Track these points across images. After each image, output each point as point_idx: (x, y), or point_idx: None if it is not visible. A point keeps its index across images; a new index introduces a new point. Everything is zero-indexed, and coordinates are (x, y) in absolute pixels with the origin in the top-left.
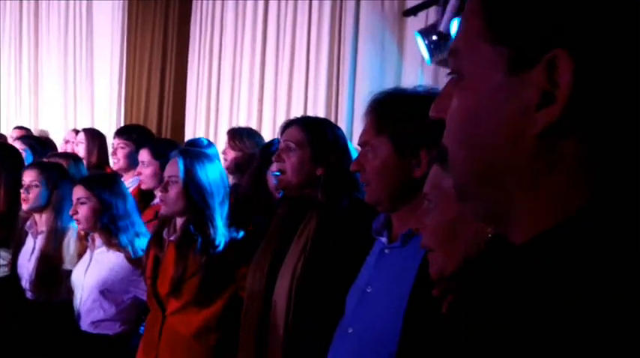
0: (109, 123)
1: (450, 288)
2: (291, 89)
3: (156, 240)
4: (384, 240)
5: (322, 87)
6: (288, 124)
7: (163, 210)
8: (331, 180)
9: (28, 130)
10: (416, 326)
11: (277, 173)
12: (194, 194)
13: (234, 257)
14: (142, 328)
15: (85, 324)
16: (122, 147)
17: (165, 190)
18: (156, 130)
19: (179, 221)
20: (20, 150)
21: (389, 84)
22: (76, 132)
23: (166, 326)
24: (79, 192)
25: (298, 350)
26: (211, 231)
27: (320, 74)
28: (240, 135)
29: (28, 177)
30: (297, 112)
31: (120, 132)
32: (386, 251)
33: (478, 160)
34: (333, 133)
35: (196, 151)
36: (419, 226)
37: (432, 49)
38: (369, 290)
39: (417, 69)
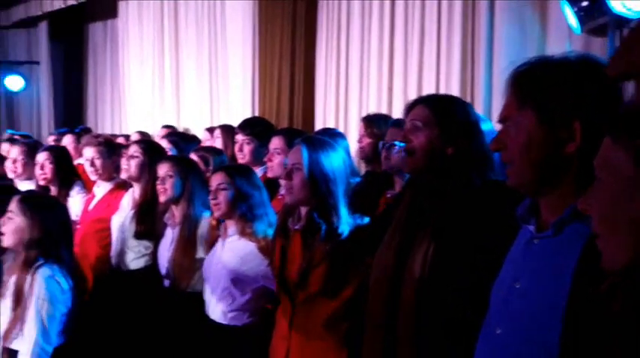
0: (243, 118)
1: (622, 284)
2: (422, 69)
3: (281, 230)
4: (531, 228)
5: (455, 65)
6: (414, 104)
7: (287, 199)
8: (462, 160)
9: (173, 128)
10: (580, 329)
11: (403, 153)
12: (318, 182)
13: (360, 244)
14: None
15: (215, 313)
16: (247, 143)
17: (288, 178)
18: (288, 122)
19: (303, 210)
20: (167, 149)
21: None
22: (209, 130)
23: (297, 316)
24: (219, 178)
25: (430, 343)
26: (335, 219)
27: (453, 51)
28: (377, 122)
29: (162, 169)
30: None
31: (243, 127)
32: (535, 241)
33: None
34: (462, 110)
35: (320, 139)
36: (586, 207)
37: (582, 16)
38: (517, 286)
39: (563, 40)
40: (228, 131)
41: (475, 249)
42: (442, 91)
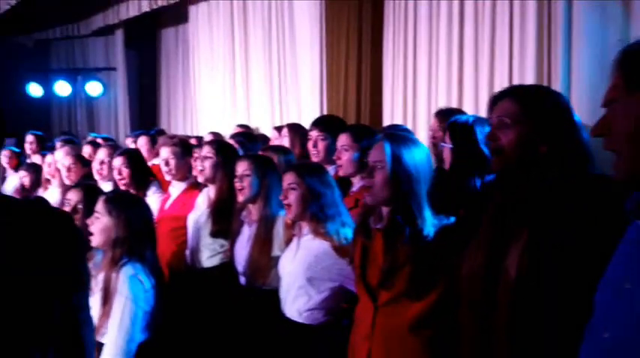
0: (312, 117)
1: None
2: (494, 61)
3: (362, 229)
4: None
5: (530, 55)
6: (499, 97)
7: (368, 199)
8: (557, 155)
9: (247, 127)
10: None
11: (492, 152)
12: (401, 180)
13: (446, 246)
14: (345, 321)
15: (290, 312)
16: (322, 139)
17: (370, 176)
18: (355, 120)
19: (385, 208)
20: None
21: (612, 47)
22: (277, 128)
23: (379, 318)
24: (290, 178)
25: (528, 348)
26: (419, 219)
27: (527, 40)
28: (451, 116)
29: (241, 167)
30: (501, 88)
31: (317, 124)
32: None
33: None
34: (554, 101)
35: (402, 135)
36: None
37: None
38: (627, 287)
39: None
40: (295, 129)
41: (577, 247)
42: (515, 77)
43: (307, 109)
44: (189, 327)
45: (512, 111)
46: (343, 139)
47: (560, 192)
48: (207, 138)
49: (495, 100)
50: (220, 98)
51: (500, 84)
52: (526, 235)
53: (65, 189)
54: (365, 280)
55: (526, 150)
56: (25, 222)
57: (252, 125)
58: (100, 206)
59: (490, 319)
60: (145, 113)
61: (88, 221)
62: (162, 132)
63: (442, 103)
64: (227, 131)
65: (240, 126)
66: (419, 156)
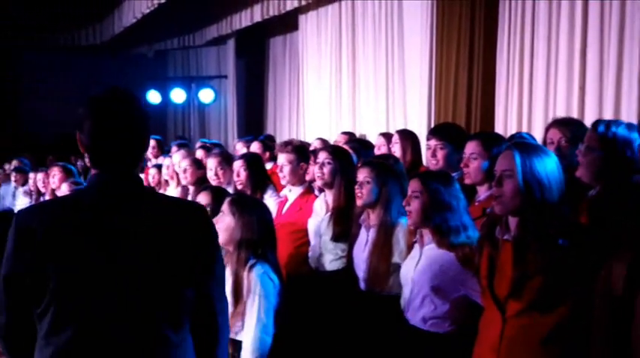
0: (419, 123)
1: None
2: (621, 65)
3: (488, 239)
4: None
5: None
6: None
7: (497, 208)
8: None
9: (352, 134)
10: None
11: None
12: (532, 189)
13: (582, 256)
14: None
15: (414, 319)
16: (441, 148)
17: (499, 186)
18: (464, 127)
19: (512, 218)
20: None
21: None
22: (383, 135)
23: (507, 330)
24: (414, 185)
25: None
26: (553, 229)
27: None
28: (571, 126)
29: (361, 174)
30: (631, 97)
31: (435, 132)
32: None
33: None
34: None
35: (531, 143)
36: None
37: None
38: None
39: None
40: (406, 135)
41: None
42: None
43: (414, 116)
44: (310, 329)
45: None
46: (472, 147)
47: None
48: (315, 144)
49: None
50: (327, 104)
51: (629, 91)
52: None
53: (183, 189)
54: (492, 291)
55: None
56: (168, 211)
57: (358, 132)
58: (225, 206)
59: (628, 339)
60: (253, 119)
61: (214, 220)
62: (270, 138)
63: (561, 111)
64: (332, 137)
65: (345, 133)
66: (550, 165)
